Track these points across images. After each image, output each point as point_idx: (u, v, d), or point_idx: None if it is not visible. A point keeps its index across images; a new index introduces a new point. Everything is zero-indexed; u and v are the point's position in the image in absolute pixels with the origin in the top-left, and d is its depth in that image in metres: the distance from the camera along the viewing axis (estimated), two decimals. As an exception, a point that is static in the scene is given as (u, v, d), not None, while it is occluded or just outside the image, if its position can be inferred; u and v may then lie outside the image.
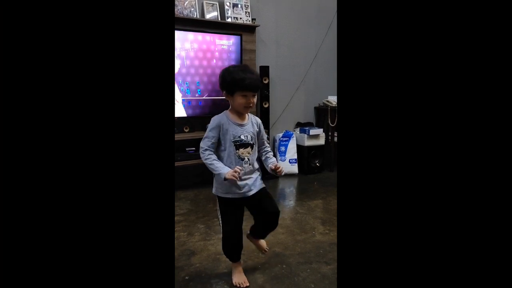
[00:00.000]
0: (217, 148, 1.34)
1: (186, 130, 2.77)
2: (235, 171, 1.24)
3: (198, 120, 2.83)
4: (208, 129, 1.33)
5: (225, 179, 1.25)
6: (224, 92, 1.33)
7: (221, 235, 1.42)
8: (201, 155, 1.31)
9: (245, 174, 1.34)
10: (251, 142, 1.35)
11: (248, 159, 1.34)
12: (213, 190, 1.39)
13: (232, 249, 1.42)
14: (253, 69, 1.32)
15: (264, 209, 1.40)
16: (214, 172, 1.29)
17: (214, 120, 1.33)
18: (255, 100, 1.32)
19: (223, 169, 1.27)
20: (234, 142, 1.31)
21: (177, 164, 2.61)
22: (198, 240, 1.82)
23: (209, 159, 1.29)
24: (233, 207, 1.37)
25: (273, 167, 1.35)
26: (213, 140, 1.31)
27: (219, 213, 1.41)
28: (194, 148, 2.71)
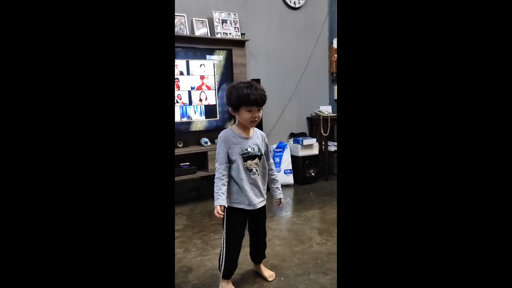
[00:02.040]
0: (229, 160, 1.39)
1: (180, 145, 2.77)
2: (218, 213, 1.30)
3: (191, 135, 2.84)
4: (217, 147, 1.39)
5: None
6: (230, 108, 1.38)
7: (218, 250, 1.41)
8: (215, 173, 1.37)
9: (255, 185, 1.40)
10: (258, 154, 1.40)
11: (256, 170, 1.40)
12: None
13: (232, 266, 1.42)
14: (258, 84, 1.38)
15: (258, 228, 1.49)
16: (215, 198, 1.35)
17: (221, 136, 1.40)
18: (260, 114, 1.38)
19: (216, 202, 1.32)
20: (242, 155, 1.36)
21: (171, 179, 2.59)
22: (195, 256, 1.81)
23: (217, 184, 1.35)
24: (240, 216, 1.40)
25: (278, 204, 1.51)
26: (225, 157, 1.37)
27: (224, 224, 1.40)
28: (188, 163, 2.71)
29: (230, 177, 1.39)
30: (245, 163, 1.36)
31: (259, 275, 1.57)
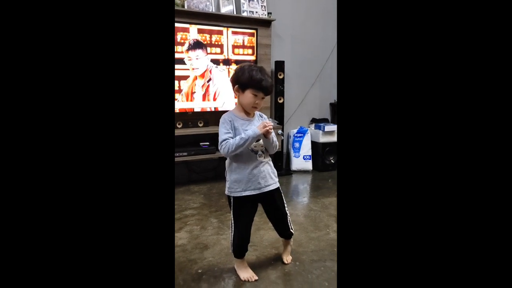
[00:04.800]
0: None
1: (201, 125, 2.78)
2: (265, 125, 1.23)
3: (212, 115, 2.83)
4: (220, 127, 1.33)
5: (258, 138, 1.24)
6: (235, 86, 1.32)
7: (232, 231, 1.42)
8: (222, 149, 1.29)
9: (262, 167, 1.35)
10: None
11: (262, 151, 1.36)
12: (227, 192, 1.37)
13: (242, 247, 1.42)
14: (267, 72, 1.33)
15: (276, 213, 1.44)
16: (246, 143, 1.25)
17: (224, 118, 1.34)
18: (262, 103, 1.33)
19: (249, 132, 1.25)
20: None
21: (190, 158, 2.62)
22: (211, 234, 1.83)
23: (229, 142, 1.27)
24: (249, 205, 1.37)
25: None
26: (230, 134, 1.30)
27: (232, 213, 1.39)
28: (208, 143, 2.72)
29: (234, 165, 1.34)
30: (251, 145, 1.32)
31: (274, 259, 1.56)
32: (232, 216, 1.39)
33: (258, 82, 1.26)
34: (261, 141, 1.34)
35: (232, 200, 1.37)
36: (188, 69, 2.64)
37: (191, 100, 2.69)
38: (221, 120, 1.34)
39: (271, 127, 1.27)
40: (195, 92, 2.70)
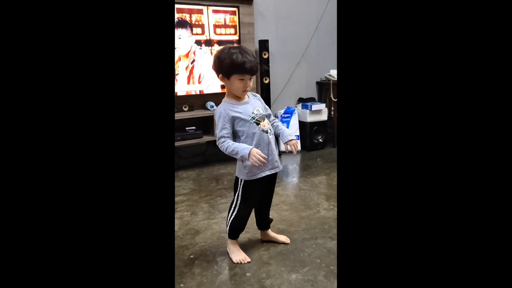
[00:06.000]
0: (234, 137, 1.29)
1: (185, 109, 2.71)
2: (259, 159, 1.18)
3: (197, 98, 2.76)
4: (217, 121, 1.28)
5: (248, 157, 1.18)
6: (219, 75, 1.26)
7: (225, 214, 1.40)
8: (220, 145, 1.26)
9: (273, 145, 1.33)
10: (265, 113, 1.34)
11: (270, 129, 1.33)
12: (246, 177, 1.31)
13: (240, 228, 1.42)
14: (248, 49, 1.26)
15: (270, 193, 1.46)
16: (236, 156, 1.24)
17: (221, 113, 1.27)
18: (251, 82, 1.27)
19: (242, 151, 1.20)
20: (252, 119, 1.28)
21: (177, 144, 2.57)
22: (202, 220, 1.82)
23: (226, 144, 1.24)
24: (261, 186, 1.35)
25: (289, 148, 1.34)
26: (228, 130, 1.25)
27: (239, 196, 1.35)
28: (194, 127, 2.66)
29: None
30: (259, 126, 1.28)
31: (265, 240, 1.57)
32: (238, 197, 1.36)
33: (241, 65, 1.19)
34: (266, 119, 1.32)
35: (243, 182, 1.33)
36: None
37: (175, 83, 2.61)
38: (216, 113, 1.29)
39: (259, 163, 1.19)
40: (178, 73, 2.62)
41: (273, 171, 1.34)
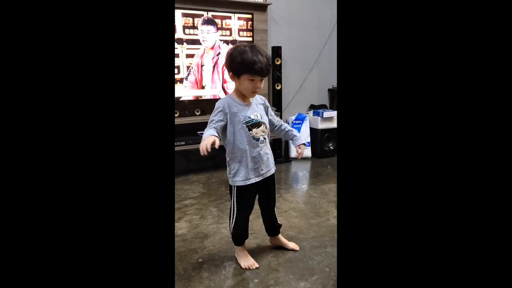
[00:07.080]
0: (224, 134, 1.28)
1: (197, 113, 2.74)
2: (202, 147, 1.09)
3: (209, 103, 2.79)
4: (213, 114, 1.26)
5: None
6: (230, 73, 1.26)
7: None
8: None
9: (263, 153, 1.32)
10: (263, 121, 1.31)
11: (264, 138, 1.31)
12: (230, 182, 1.34)
13: (242, 234, 1.41)
14: (262, 49, 1.24)
15: (269, 199, 1.44)
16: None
17: (219, 103, 1.27)
18: (262, 85, 1.25)
19: (205, 134, 1.15)
20: (246, 123, 1.26)
21: (188, 147, 2.59)
22: (211, 223, 1.82)
23: (206, 129, 1.19)
24: (251, 191, 1.35)
25: (299, 150, 1.36)
26: (219, 124, 1.23)
27: (234, 202, 1.36)
28: (205, 132, 2.69)
29: (236, 153, 1.29)
30: (250, 132, 1.26)
31: (274, 246, 1.56)
32: (233, 204, 1.37)
33: (251, 65, 1.17)
34: (262, 127, 1.30)
35: (234, 188, 1.34)
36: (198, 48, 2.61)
37: (201, 79, 2.67)
38: (216, 106, 1.28)
39: (205, 151, 1.09)
40: (203, 65, 2.70)
41: (260, 178, 1.32)
